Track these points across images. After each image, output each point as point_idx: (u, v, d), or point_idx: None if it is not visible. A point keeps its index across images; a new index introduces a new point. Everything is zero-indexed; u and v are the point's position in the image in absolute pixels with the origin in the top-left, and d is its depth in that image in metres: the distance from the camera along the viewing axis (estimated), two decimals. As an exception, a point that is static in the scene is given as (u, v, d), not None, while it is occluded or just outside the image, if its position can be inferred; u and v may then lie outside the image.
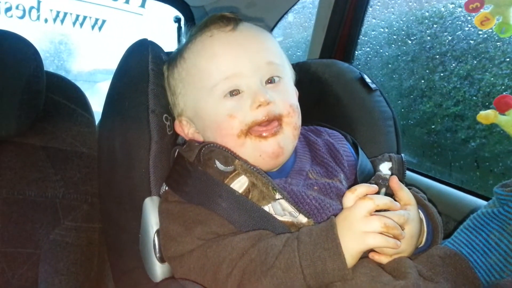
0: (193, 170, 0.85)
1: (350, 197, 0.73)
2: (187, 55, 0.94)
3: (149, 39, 1.05)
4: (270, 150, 0.86)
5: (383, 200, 0.72)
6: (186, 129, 0.96)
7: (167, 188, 0.89)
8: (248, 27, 0.94)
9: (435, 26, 1.91)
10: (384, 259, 0.75)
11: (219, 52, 0.89)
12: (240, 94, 0.88)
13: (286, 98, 0.90)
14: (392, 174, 0.93)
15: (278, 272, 0.69)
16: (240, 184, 0.84)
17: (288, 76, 0.96)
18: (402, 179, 0.95)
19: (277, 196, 0.82)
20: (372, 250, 0.75)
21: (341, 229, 0.70)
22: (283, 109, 0.88)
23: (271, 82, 0.90)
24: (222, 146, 0.86)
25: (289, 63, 1.01)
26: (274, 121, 0.87)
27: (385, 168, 0.95)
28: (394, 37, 2.11)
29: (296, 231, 0.75)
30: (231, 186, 0.83)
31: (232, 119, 0.86)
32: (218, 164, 0.84)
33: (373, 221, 0.69)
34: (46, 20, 2.65)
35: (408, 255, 0.77)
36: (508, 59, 1.58)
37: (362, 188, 0.73)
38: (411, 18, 2.06)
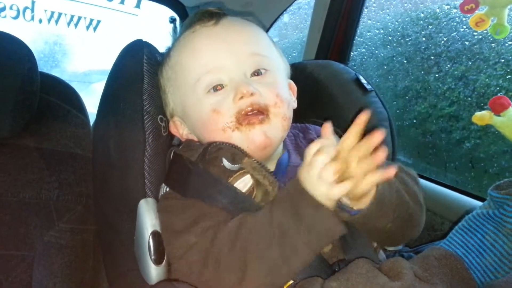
0: (193, 168, 0.84)
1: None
2: (172, 53, 0.94)
3: (144, 40, 1.04)
4: (257, 141, 0.84)
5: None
6: (181, 130, 0.96)
7: (167, 189, 0.87)
8: (231, 20, 0.92)
9: (430, 27, 1.92)
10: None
11: (200, 46, 0.89)
12: (224, 88, 0.86)
13: (273, 89, 0.87)
14: None
15: (279, 240, 0.70)
16: (244, 183, 0.83)
17: (277, 68, 0.93)
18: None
19: None
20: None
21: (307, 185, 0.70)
22: (268, 100, 0.85)
23: (257, 75, 0.88)
24: (230, 144, 0.84)
25: (283, 58, 0.99)
26: (258, 112, 0.84)
27: None
28: (390, 38, 2.12)
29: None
30: (235, 185, 0.82)
31: (216, 114, 0.85)
32: (225, 162, 0.82)
33: (325, 172, 0.67)
34: (40, 21, 2.64)
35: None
36: (502, 60, 1.58)
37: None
38: (406, 19, 2.07)
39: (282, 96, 0.88)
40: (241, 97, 0.83)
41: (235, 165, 0.83)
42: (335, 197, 0.69)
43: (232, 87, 0.85)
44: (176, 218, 0.82)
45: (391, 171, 0.68)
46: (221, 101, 0.85)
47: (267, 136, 0.84)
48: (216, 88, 0.87)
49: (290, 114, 0.90)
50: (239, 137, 0.84)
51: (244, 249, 0.72)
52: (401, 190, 0.82)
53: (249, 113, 0.84)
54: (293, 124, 1.02)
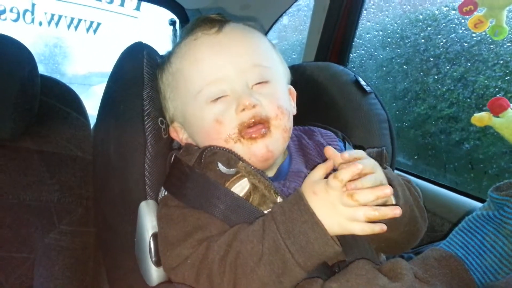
0: (191, 173, 0.84)
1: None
2: (173, 60, 0.93)
3: (144, 42, 1.05)
4: (259, 154, 0.85)
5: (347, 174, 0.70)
6: (180, 135, 0.96)
7: (166, 193, 0.88)
8: (233, 29, 0.92)
9: (429, 28, 1.92)
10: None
11: (202, 56, 0.88)
12: (226, 98, 0.87)
13: (274, 100, 0.88)
14: None
15: (269, 258, 0.70)
16: (241, 187, 0.83)
17: (278, 78, 0.94)
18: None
19: (279, 199, 0.82)
20: None
21: (319, 206, 0.70)
22: (270, 112, 0.86)
23: (259, 84, 0.89)
24: (225, 148, 0.85)
25: (284, 63, 1.00)
26: (259, 125, 0.85)
27: None
28: (389, 39, 2.12)
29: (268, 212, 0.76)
30: (232, 189, 0.82)
31: (219, 124, 0.85)
32: (220, 166, 0.83)
33: (358, 211, 0.69)
34: (40, 23, 2.65)
35: None
36: (501, 62, 1.59)
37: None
38: (405, 20, 2.07)
39: (283, 108, 0.88)
40: (243, 109, 0.84)
41: (231, 169, 0.83)
42: (354, 232, 0.70)
43: (234, 97, 0.86)
44: (172, 229, 0.82)
45: (398, 211, 0.69)
46: (223, 111, 0.86)
47: (269, 149, 0.85)
48: (219, 98, 0.87)
49: (290, 125, 0.91)
50: (241, 149, 0.85)
51: (233, 264, 0.72)
52: (413, 206, 0.84)
53: (251, 125, 0.84)
54: (296, 127, 1.02)
